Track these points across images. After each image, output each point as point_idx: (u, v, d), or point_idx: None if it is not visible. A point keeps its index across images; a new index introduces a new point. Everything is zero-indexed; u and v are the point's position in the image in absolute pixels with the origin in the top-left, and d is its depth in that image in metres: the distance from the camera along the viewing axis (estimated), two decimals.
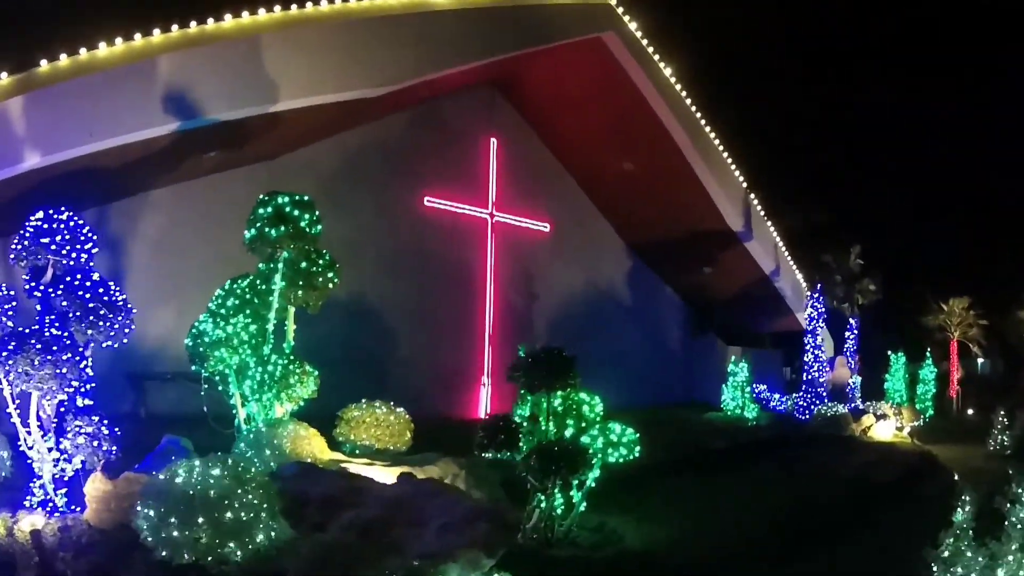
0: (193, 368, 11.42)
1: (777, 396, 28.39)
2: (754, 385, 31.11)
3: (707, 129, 24.49)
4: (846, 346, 30.75)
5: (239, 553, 7.47)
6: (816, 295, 27.07)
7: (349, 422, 12.03)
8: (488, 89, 22.68)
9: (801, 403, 26.29)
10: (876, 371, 32.85)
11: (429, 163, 20.79)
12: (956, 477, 17.13)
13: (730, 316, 31.85)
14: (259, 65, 14.74)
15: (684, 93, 23.30)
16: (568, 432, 10.78)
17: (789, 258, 30.08)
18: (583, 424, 10.89)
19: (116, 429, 8.99)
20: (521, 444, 10.41)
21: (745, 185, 26.55)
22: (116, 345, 9.45)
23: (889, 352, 32.94)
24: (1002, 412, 23.87)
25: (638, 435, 10.78)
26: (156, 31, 13.73)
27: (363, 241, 19.36)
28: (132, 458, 9.39)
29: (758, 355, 32.07)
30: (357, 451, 11.84)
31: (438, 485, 9.51)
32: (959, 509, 8.43)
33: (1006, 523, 8.26)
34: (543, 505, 10.07)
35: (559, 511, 10.17)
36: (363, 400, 12.28)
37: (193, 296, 13.60)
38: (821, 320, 27.11)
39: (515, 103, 23.74)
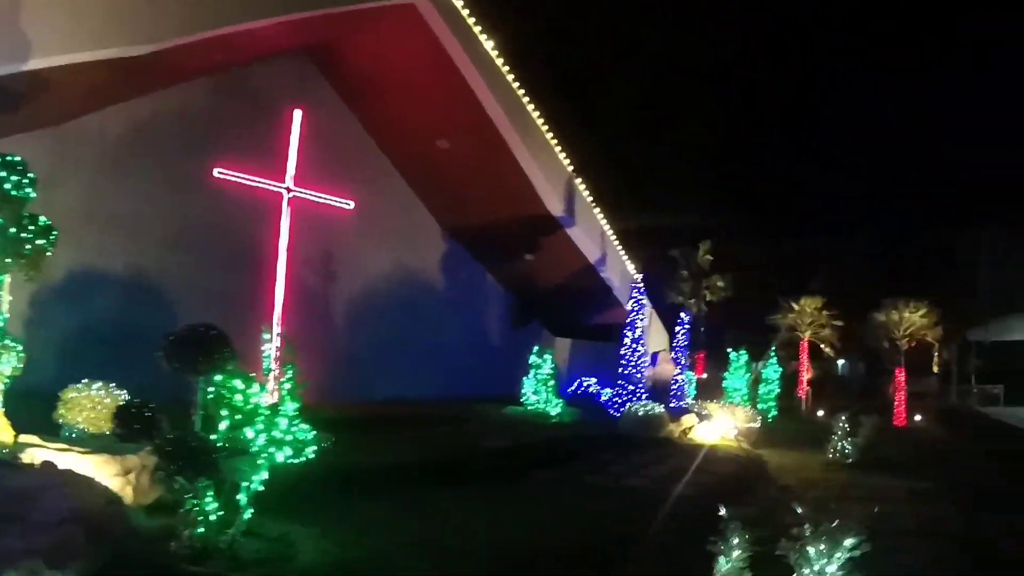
0: None
1: (609, 391, 29.74)
2: (581, 379, 34.46)
3: (531, 108, 26.55)
4: (675, 341, 32.73)
5: None
6: (638, 287, 28.65)
7: (67, 403, 12.49)
8: (300, 59, 24.33)
9: (616, 400, 27.70)
10: (724, 370, 35.90)
11: (228, 134, 22.02)
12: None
13: (557, 307, 34.56)
14: (14, 19, 15.32)
15: (507, 68, 25.27)
16: (224, 424, 10.10)
17: (620, 248, 32.75)
18: (239, 416, 10.20)
19: None
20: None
21: (572, 169, 28.85)
22: None
23: (729, 350, 36.52)
24: (843, 417, 24.18)
25: (315, 433, 10.97)
26: None
27: (149, 214, 20.83)
28: None
29: (594, 348, 35.24)
30: (74, 435, 12.31)
31: (71, 477, 9.52)
32: (720, 559, 8.24)
33: None
34: (196, 509, 9.64)
35: (214, 517, 9.66)
36: (84, 380, 12.94)
37: None
38: (642, 313, 28.50)
39: (329, 75, 25.41)
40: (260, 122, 22.28)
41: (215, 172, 21.20)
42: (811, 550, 7.78)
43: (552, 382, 26.36)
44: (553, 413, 25.66)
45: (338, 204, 24.14)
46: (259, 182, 22.11)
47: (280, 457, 10.22)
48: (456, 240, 31.05)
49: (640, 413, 24.91)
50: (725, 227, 53.05)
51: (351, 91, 25.90)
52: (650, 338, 34.26)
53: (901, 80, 78.81)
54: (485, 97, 24.37)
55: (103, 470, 10.71)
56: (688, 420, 26.72)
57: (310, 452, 10.89)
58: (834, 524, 7.93)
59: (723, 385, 35.39)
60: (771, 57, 72.50)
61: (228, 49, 19.79)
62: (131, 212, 20.66)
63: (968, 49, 73.51)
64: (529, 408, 25.85)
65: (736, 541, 8.30)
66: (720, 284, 46.01)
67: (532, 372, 26.33)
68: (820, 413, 37.92)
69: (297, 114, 22.90)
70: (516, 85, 25.82)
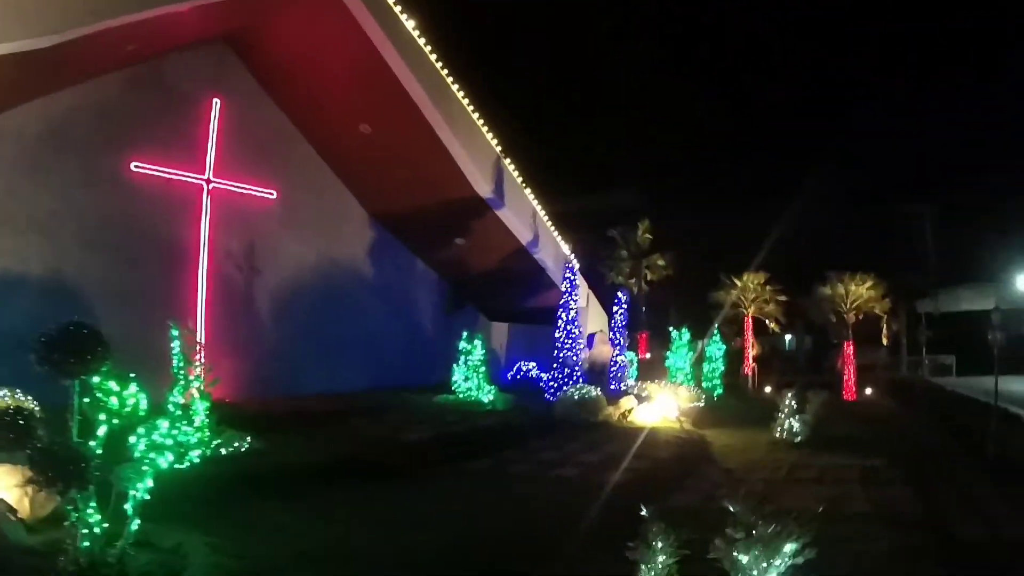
0: None
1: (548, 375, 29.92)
2: (521, 363, 35.32)
3: (455, 88, 26.96)
4: (613, 322, 33.15)
5: None
6: (571, 267, 29.28)
7: None
8: (218, 47, 24.70)
9: (552, 384, 28.04)
10: (668, 350, 36.34)
11: (144, 127, 22.41)
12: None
13: (492, 292, 35.22)
14: None
15: (429, 49, 25.63)
16: (103, 430, 9.61)
17: (553, 229, 33.22)
18: (116, 420, 9.83)
19: None
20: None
21: (499, 150, 29.26)
22: None
23: (671, 329, 37.10)
24: (789, 394, 23.78)
25: (199, 437, 11.28)
26: None
27: (65, 211, 21.18)
28: None
29: (532, 331, 35.99)
30: None
31: None
32: (645, 567, 7.76)
33: None
34: (80, 522, 9.30)
35: (99, 530, 9.35)
36: None
37: None
38: (575, 294, 29.13)
39: (248, 62, 25.75)
40: (178, 113, 23.09)
41: (132, 166, 21.63)
42: (745, 558, 7.25)
43: (483, 368, 26.74)
44: (486, 400, 26.06)
45: (260, 194, 24.48)
46: (178, 174, 22.54)
47: (163, 463, 9.86)
48: (384, 226, 31.46)
49: (575, 397, 25.08)
50: (664, 204, 54.49)
51: (271, 78, 26.25)
52: (589, 320, 35.26)
53: (845, 52, 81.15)
54: (406, 78, 24.64)
55: (3, 481, 10.68)
56: (627, 402, 26.83)
57: (194, 456, 11.19)
58: (772, 529, 7.31)
59: (666, 365, 35.93)
60: (712, 22, 74.60)
61: (140, 39, 19.97)
62: (48, 212, 20.97)
63: (911, 18, 75.56)
64: (461, 396, 26.22)
65: (661, 545, 7.75)
66: (660, 263, 47.17)
67: (462, 359, 26.72)
68: (767, 390, 38.90)
69: (215, 103, 23.27)
70: (440, 66, 26.19)
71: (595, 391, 25.64)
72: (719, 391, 37.91)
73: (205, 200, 22.87)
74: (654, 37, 74.79)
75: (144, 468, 9.60)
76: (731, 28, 77.79)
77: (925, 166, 67.18)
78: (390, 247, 32.08)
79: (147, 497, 9.55)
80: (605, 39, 71.52)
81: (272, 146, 26.49)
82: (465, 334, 27.54)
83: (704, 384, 37.36)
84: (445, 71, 26.58)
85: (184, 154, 22.68)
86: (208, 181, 22.95)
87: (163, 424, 10.45)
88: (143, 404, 10.32)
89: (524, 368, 35.29)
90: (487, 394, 26.31)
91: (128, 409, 10.08)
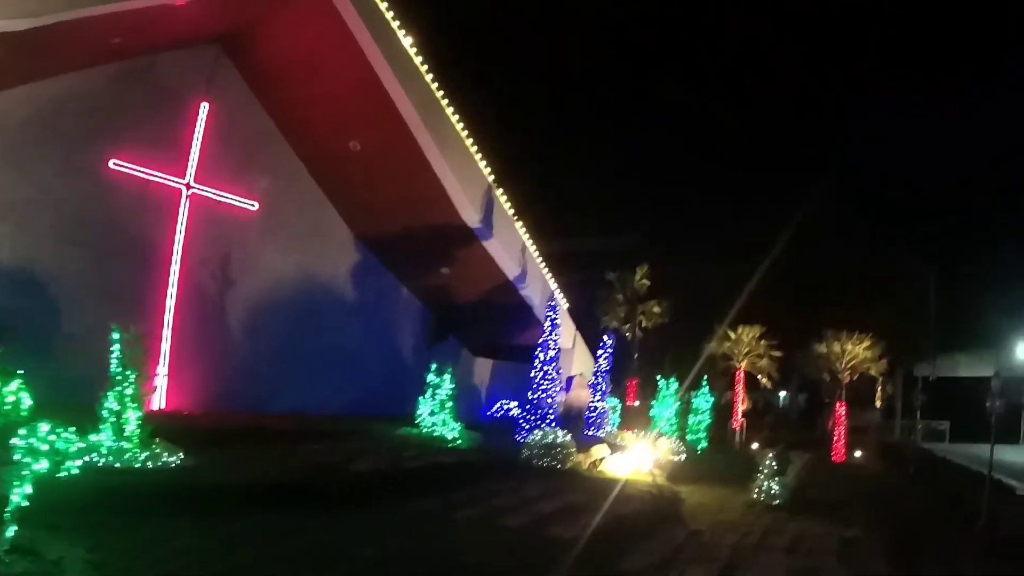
0: None
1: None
2: (503, 401, 35.22)
3: (449, 111, 26.96)
4: (597, 366, 32.68)
5: None
6: (553, 305, 28.64)
7: None
8: (213, 49, 24.79)
9: (524, 427, 27.03)
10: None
11: (129, 124, 22.41)
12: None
13: (477, 325, 35.04)
14: None
15: (425, 68, 25.67)
16: None
17: (543, 265, 33.13)
18: None
19: None
20: None
21: (492, 178, 29.26)
22: None
23: (659, 377, 36.58)
24: (771, 454, 23.04)
25: (77, 445, 10.28)
26: None
27: (42, 203, 21.24)
28: None
29: (516, 369, 35.10)
30: None
31: None
32: None
33: None
34: None
35: None
36: None
37: None
38: (555, 333, 28.03)
39: (241, 66, 25.74)
40: (165, 114, 23.12)
41: (111, 164, 21.60)
42: None
43: (450, 404, 25.97)
44: (450, 437, 25.34)
45: (241, 204, 24.56)
46: (158, 176, 22.61)
47: (39, 468, 9.48)
48: (369, 248, 31.36)
49: (544, 441, 24.07)
50: (666, 251, 54.68)
51: (263, 86, 26.28)
52: (574, 362, 35.11)
53: (850, 107, 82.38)
54: (398, 95, 24.68)
55: None
56: (598, 451, 25.94)
57: (73, 466, 10.39)
58: None
59: (650, 414, 35.33)
60: (715, 78, 75.64)
61: (126, 32, 20.14)
62: (25, 201, 21.01)
63: (916, 72, 76.80)
64: (424, 431, 25.54)
65: None
66: (656, 309, 47.14)
67: (429, 392, 25.98)
68: (755, 446, 38.18)
69: (203, 107, 23.43)
70: (435, 87, 26.26)
71: (564, 436, 24.48)
72: (703, 445, 37.60)
73: (183, 205, 23.00)
74: (665, 75, 75.59)
75: (24, 472, 9.30)
76: (739, 71, 78.60)
77: (928, 227, 67.58)
78: (374, 270, 31.99)
79: (26, 503, 9.21)
80: (618, 72, 72.41)
81: (259, 154, 26.53)
82: (434, 366, 26.70)
83: (688, 437, 36.99)
84: (440, 92, 26.59)
85: (167, 156, 22.78)
86: (188, 186, 23.08)
87: (43, 427, 9.74)
88: (26, 403, 10.26)
89: (505, 406, 34.99)
90: (452, 431, 25.57)
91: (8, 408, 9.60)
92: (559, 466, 23.39)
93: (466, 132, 27.98)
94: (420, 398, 25.99)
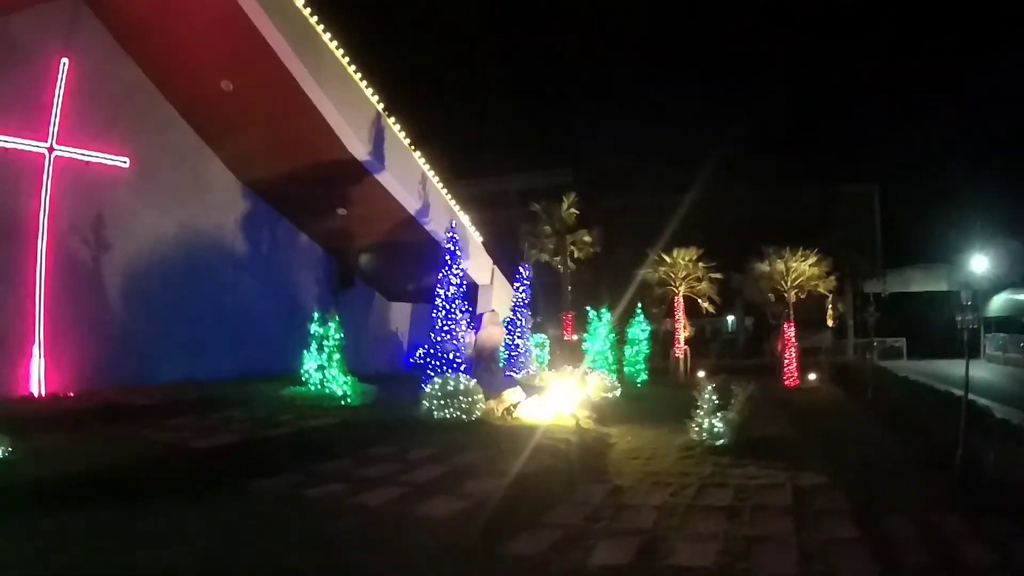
0: None
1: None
2: (425, 346, 36.11)
3: (326, 36, 27.22)
4: (515, 299, 32.88)
5: None
6: (452, 234, 26.85)
7: None
8: (70, 2, 24.78)
9: (429, 374, 25.17)
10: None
11: None
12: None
13: (386, 268, 35.90)
14: None
15: None
16: None
17: (448, 196, 33.91)
18: None
19: None
20: None
21: (382, 107, 29.59)
22: None
23: (589, 308, 37.61)
24: (710, 386, 21.12)
25: None
26: None
27: None
28: None
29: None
30: None
31: None
32: None
33: None
34: None
35: None
36: None
37: None
38: (456, 265, 26.49)
39: (103, 17, 25.69)
40: (19, 75, 23.07)
41: None
42: None
43: (338, 356, 25.64)
44: (339, 393, 24.91)
45: (110, 162, 24.38)
46: (16, 143, 22.49)
47: None
48: (259, 196, 31.77)
49: (445, 389, 22.61)
50: (594, 180, 56.30)
51: (127, 34, 26.25)
52: (493, 300, 36.05)
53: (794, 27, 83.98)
54: (263, 24, 24.69)
55: None
56: (511, 395, 25.01)
57: None
58: None
59: (582, 349, 36.32)
60: None
61: None
62: None
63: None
64: (312, 388, 25.27)
65: None
66: (587, 239, 48.34)
67: (313, 344, 25.81)
68: (701, 374, 36.42)
69: (63, 63, 23.29)
70: (307, 12, 26.57)
71: (468, 381, 23.13)
72: (643, 377, 38.79)
73: (47, 169, 23.01)
74: None
75: None
76: None
77: (869, 146, 70.04)
78: (267, 219, 32.48)
79: None
80: None
81: (128, 109, 26.57)
82: (316, 315, 26.48)
83: (626, 370, 38.17)
84: (315, 18, 26.91)
85: (25, 120, 22.73)
86: (51, 149, 23.09)
87: None
88: None
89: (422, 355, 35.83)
90: (342, 385, 25.16)
91: None
92: (464, 417, 22.19)
93: (347, 59, 28.22)
94: (304, 352, 25.76)
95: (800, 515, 13.71)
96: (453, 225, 27.24)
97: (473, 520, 13.01)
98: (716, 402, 20.91)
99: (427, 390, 23.17)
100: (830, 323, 53.15)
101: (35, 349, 22.46)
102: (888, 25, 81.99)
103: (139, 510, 12.69)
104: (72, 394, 22.81)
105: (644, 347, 39.82)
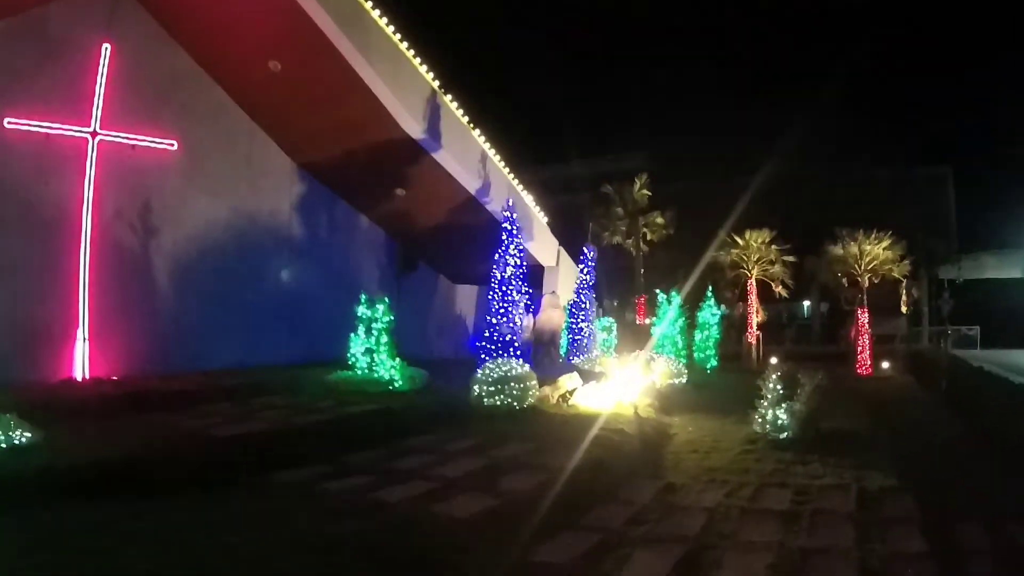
0: None
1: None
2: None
3: (375, 13, 26.52)
4: (579, 281, 31.77)
5: None
6: (510, 213, 26.06)
7: None
8: None
9: (482, 358, 24.65)
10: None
11: (23, 79, 22.25)
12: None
13: (449, 250, 35.23)
14: None
15: None
16: None
17: (511, 175, 33.03)
18: None
19: None
20: None
21: (437, 83, 28.77)
22: None
23: (658, 291, 36.97)
24: (775, 375, 19.70)
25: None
26: None
27: None
28: None
29: None
30: None
31: None
32: None
33: None
34: None
35: None
36: None
37: None
38: (512, 245, 25.85)
39: (145, 3, 25.39)
40: (62, 62, 23.11)
41: (6, 123, 21.54)
42: None
43: (386, 339, 24.09)
44: (387, 379, 23.63)
45: (157, 145, 24.20)
46: (60, 129, 22.53)
47: None
48: (315, 177, 31.18)
49: (495, 375, 21.70)
50: (668, 162, 55.38)
51: (171, 18, 25.89)
52: (560, 282, 34.99)
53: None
54: (308, 2, 24.15)
55: None
56: (566, 382, 23.78)
57: None
58: None
59: (651, 333, 35.39)
60: None
61: None
62: None
63: None
64: (360, 373, 24.00)
65: None
66: (660, 220, 47.61)
67: (361, 328, 24.34)
68: (773, 361, 34.81)
69: (105, 49, 23.29)
70: None
71: (521, 367, 22.27)
72: (712, 363, 37.73)
73: (91, 154, 22.85)
74: None
75: None
76: None
77: (943, 127, 68.56)
78: (324, 202, 31.93)
79: None
80: None
81: (175, 92, 26.19)
82: (364, 297, 24.85)
83: (696, 355, 37.12)
84: None
85: (68, 106, 22.64)
86: (94, 134, 22.90)
87: None
88: None
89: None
90: (389, 370, 23.78)
91: None
92: (516, 405, 21.15)
93: (399, 36, 27.50)
94: (352, 335, 24.39)
95: (864, 523, 12.06)
96: (511, 203, 26.29)
97: (499, 522, 11.83)
98: (781, 392, 19.31)
99: (478, 375, 22.13)
100: (904, 309, 51.70)
101: (79, 334, 22.38)
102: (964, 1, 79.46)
103: (142, 505, 11.93)
104: (115, 378, 22.61)
105: (715, 332, 38.83)
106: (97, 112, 23.03)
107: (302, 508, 12.32)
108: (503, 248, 25.69)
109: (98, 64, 23.11)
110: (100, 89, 23.11)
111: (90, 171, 22.86)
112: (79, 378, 22.00)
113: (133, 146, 23.71)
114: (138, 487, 12.65)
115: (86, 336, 22.41)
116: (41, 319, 22.52)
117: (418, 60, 28.29)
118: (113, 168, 23.50)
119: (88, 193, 22.76)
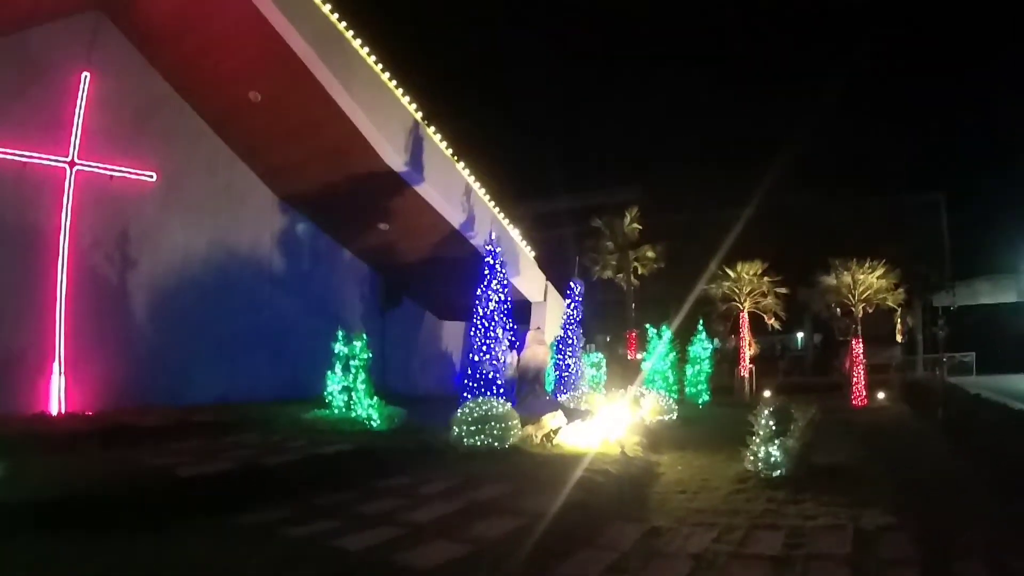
0: None
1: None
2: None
3: (356, 42, 26.01)
4: (566, 315, 30.63)
5: None
6: (492, 247, 25.29)
7: None
8: (92, 16, 24.35)
9: (464, 396, 23.69)
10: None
11: (1, 108, 22.19)
12: None
13: (434, 285, 34.55)
14: None
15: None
16: None
17: (496, 209, 32.31)
18: None
19: None
20: None
21: (420, 115, 28.06)
22: None
23: (648, 326, 36.15)
24: (768, 410, 18.32)
25: None
26: None
27: None
28: None
29: None
30: None
31: None
32: None
33: None
34: None
35: None
36: None
37: None
38: (495, 279, 25.01)
39: (126, 30, 25.24)
40: (40, 90, 23.00)
41: None
42: None
43: (363, 376, 23.62)
44: (364, 417, 23.23)
45: (136, 176, 23.99)
46: (37, 158, 22.30)
47: None
48: (296, 209, 30.84)
49: (475, 414, 20.70)
50: (657, 195, 55.15)
51: (151, 47, 25.82)
52: (547, 318, 34.55)
53: (854, 32, 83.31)
54: (286, 30, 23.80)
55: None
56: (550, 420, 22.69)
57: None
58: None
59: (640, 368, 34.73)
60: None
61: (13, 15, 20.43)
62: None
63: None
64: (336, 412, 23.81)
65: None
66: (650, 255, 46.89)
67: (338, 365, 24.08)
68: (767, 394, 36.03)
69: (85, 78, 23.03)
70: (335, 17, 25.46)
71: (502, 405, 21.19)
72: (704, 398, 37.08)
73: (68, 184, 22.58)
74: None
75: None
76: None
77: (936, 153, 68.73)
78: (306, 234, 31.66)
79: None
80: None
81: (155, 122, 26.04)
82: (340, 334, 24.36)
83: (688, 390, 36.59)
84: (343, 23, 25.84)
85: (46, 135, 22.46)
86: (72, 163, 22.67)
87: None
88: None
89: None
90: (367, 408, 23.34)
91: None
92: (497, 445, 20.15)
93: (380, 66, 26.94)
94: (328, 373, 23.97)
95: (860, 567, 11.13)
96: (493, 237, 25.40)
97: (464, 573, 11.03)
98: (773, 428, 17.98)
99: (457, 415, 20.90)
100: (899, 338, 51.26)
101: (55, 366, 22.03)
102: (955, 29, 79.84)
103: (93, 545, 11.49)
104: (90, 413, 22.17)
105: (706, 366, 37.92)
106: (75, 141, 22.82)
107: (256, 554, 11.60)
108: (485, 283, 24.78)
109: (77, 92, 22.90)
110: (78, 119, 22.90)
111: (67, 200, 22.56)
112: (54, 412, 21.65)
113: (111, 176, 23.42)
114: (92, 525, 12.22)
115: (62, 369, 22.02)
116: (17, 350, 22.31)
117: (400, 91, 27.72)
118: (91, 197, 23.28)
119: (65, 222, 22.46)
